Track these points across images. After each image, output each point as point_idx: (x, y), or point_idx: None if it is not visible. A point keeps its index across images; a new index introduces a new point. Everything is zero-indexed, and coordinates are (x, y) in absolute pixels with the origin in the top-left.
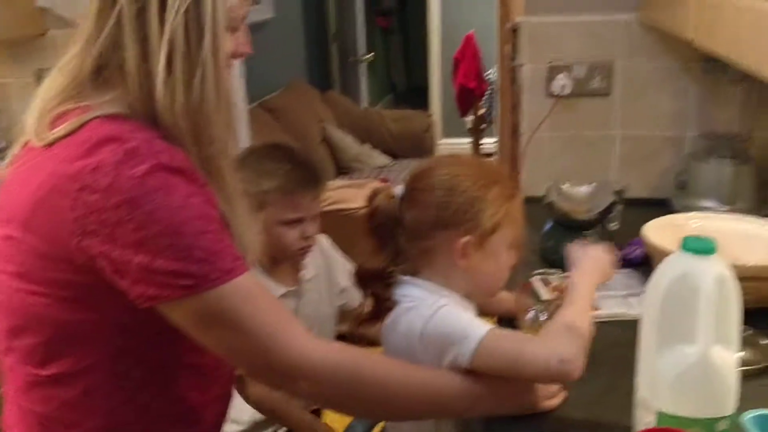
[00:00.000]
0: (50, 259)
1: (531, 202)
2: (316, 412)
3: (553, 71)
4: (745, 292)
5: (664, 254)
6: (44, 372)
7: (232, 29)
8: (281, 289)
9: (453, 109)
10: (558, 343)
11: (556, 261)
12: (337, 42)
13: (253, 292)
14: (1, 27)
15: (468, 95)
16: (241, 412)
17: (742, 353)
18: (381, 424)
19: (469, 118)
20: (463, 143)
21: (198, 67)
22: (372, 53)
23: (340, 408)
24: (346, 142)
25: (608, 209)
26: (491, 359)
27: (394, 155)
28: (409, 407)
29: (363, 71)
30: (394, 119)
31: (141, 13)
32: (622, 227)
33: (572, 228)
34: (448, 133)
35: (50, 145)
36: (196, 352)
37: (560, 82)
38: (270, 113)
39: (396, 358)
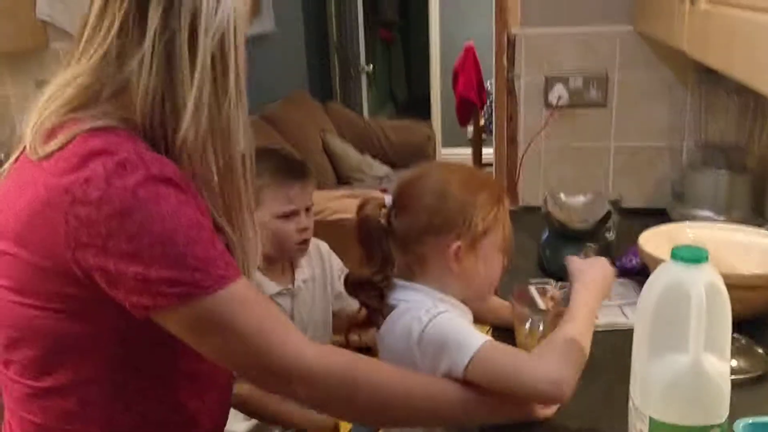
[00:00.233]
0: (45, 272)
1: (528, 211)
2: None
3: (549, 82)
4: (740, 302)
5: (659, 263)
6: (42, 384)
7: None
8: (276, 287)
9: (453, 120)
10: (553, 363)
11: (552, 270)
12: (338, 53)
13: (248, 297)
14: (2, 39)
15: (468, 106)
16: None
17: (735, 362)
18: None
19: (470, 129)
20: (464, 153)
21: (227, 93)
22: (373, 64)
23: (335, 412)
24: (347, 152)
25: (605, 219)
26: (485, 372)
27: (395, 165)
28: (405, 413)
29: (364, 82)
30: (394, 130)
31: (170, 44)
32: (619, 237)
33: (569, 238)
34: (449, 143)
35: (43, 159)
36: (193, 359)
37: (557, 93)
38: (271, 124)
39: (392, 360)
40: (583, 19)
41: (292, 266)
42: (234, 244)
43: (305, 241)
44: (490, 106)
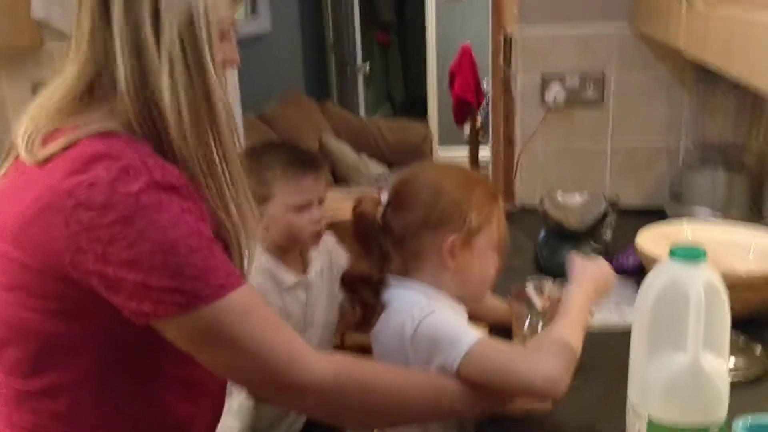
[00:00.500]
0: (41, 273)
1: (525, 211)
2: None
3: (546, 81)
4: (738, 301)
5: (657, 263)
6: (31, 385)
7: (221, 35)
8: (293, 279)
9: (450, 120)
10: (546, 360)
11: (549, 269)
12: (334, 53)
13: (249, 306)
14: None
15: (465, 106)
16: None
17: (733, 361)
18: None
19: (467, 129)
20: (461, 153)
21: (200, 78)
22: (369, 64)
23: (344, 419)
24: (344, 152)
25: (602, 218)
26: (478, 368)
27: (392, 165)
28: (412, 412)
29: (360, 82)
30: (391, 129)
31: (136, 32)
32: (616, 236)
33: (566, 237)
34: (445, 143)
35: (43, 162)
36: (184, 364)
37: (553, 92)
38: (268, 124)
39: (386, 358)
40: (580, 18)
41: (304, 258)
42: (233, 236)
43: (319, 233)
44: (487, 106)
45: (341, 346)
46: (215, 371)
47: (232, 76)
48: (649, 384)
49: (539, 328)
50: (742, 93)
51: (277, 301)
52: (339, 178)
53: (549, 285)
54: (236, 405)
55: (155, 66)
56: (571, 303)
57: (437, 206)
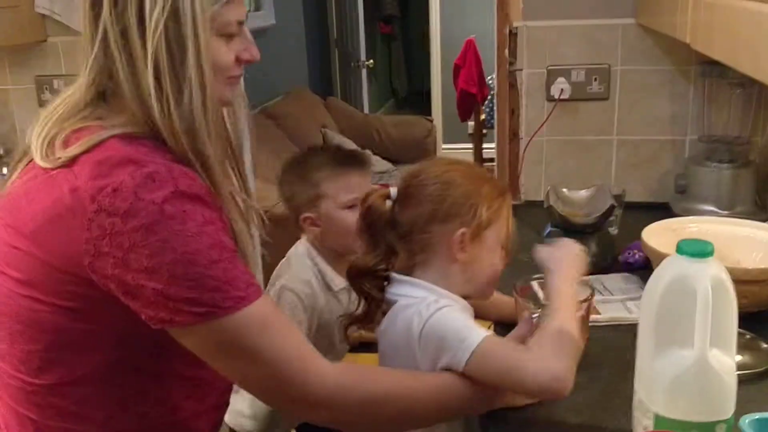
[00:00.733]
0: (58, 271)
1: (530, 206)
2: None
3: (551, 75)
4: (745, 296)
5: (663, 258)
6: (39, 380)
7: (226, 37)
8: (342, 283)
9: (454, 115)
10: (551, 359)
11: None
12: (338, 48)
13: (267, 318)
14: (1, 33)
15: (469, 100)
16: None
17: (740, 357)
18: None
19: (471, 124)
20: (465, 149)
21: (185, 81)
22: (373, 59)
23: (356, 428)
24: (348, 147)
25: (607, 213)
26: (484, 367)
27: (395, 161)
28: (422, 418)
29: (364, 77)
30: (395, 125)
31: (124, 35)
32: (622, 231)
33: (571, 232)
34: (450, 138)
35: (67, 162)
36: (193, 364)
37: (559, 87)
38: (272, 119)
39: (393, 355)
40: (585, 12)
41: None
42: (244, 244)
43: None
44: (491, 100)
45: (345, 340)
46: (229, 378)
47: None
48: (655, 380)
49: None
50: (748, 87)
51: (320, 300)
52: None
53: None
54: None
55: (142, 71)
56: (561, 295)
57: (447, 199)
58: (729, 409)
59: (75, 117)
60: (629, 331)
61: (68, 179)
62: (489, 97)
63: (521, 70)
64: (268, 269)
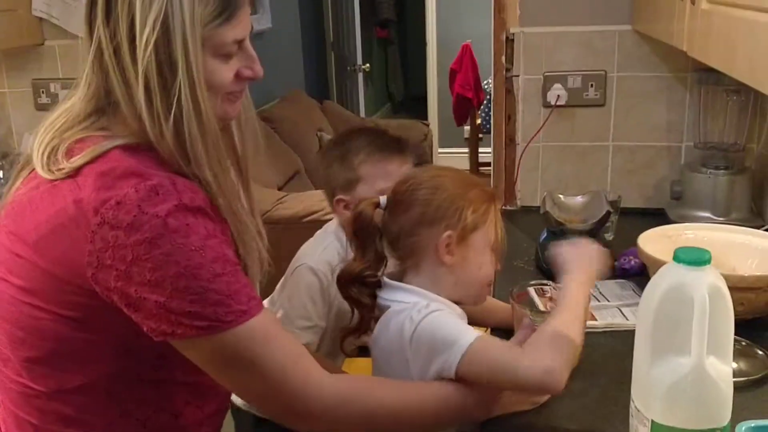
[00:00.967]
0: (60, 281)
1: (526, 211)
2: None
3: (548, 82)
4: (741, 303)
5: (659, 265)
6: (41, 387)
7: (223, 56)
8: None
9: (450, 120)
10: (545, 354)
11: (551, 271)
12: (334, 51)
13: (268, 331)
14: None
15: (465, 105)
16: None
17: (736, 364)
18: None
19: (467, 128)
20: (461, 153)
21: (176, 100)
22: (369, 63)
23: None
24: None
25: (603, 219)
26: (477, 367)
27: None
28: (421, 427)
29: (361, 81)
30: (391, 129)
31: (117, 53)
32: (618, 237)
33: (568, 238)
34: (446, 143)
35: (70, 173)
36: (194, 371)
37: (555, 93)
38: (268, 123)
39: (387, 361)
40: (582, 18)
41: None
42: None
43: None
44: (487, 105)
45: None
46: (229, 389)
47: None
48: (652, 387)
49: None
50: (744, 94)
51: None
52: None
53: (550, 286)
54: None
55: (135, 89)
56: (568, 296)
57: (433, 203)
58: (725, 417)
59: (76, 127)
60: (625, 337)
61: (72, 190)
62: (485, 101)
63: (518, 76)
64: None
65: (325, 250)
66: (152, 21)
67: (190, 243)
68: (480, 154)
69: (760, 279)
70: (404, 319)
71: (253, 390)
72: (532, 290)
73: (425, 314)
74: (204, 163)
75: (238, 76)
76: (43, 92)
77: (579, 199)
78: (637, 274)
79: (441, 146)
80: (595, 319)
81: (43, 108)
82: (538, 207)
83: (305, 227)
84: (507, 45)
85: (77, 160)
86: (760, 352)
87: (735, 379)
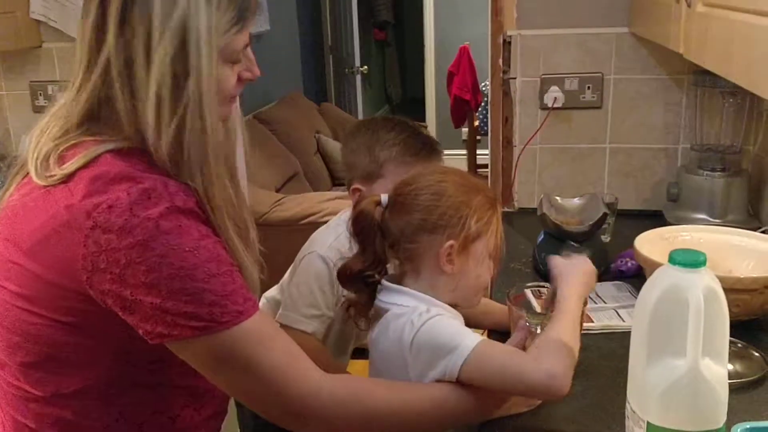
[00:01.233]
0: (55, 287)
1: (523, 213)
2: None
3: (545, 84)
4: (737, 305)
5: (655, 266)
6: (38, 391)
7: (232, 62)
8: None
9: (448, 121)
10: (549, 358)
11: (548, 273)
12: (332, 54)
13: (264, 332)
14: None
15: (463, 107)
16: None
17: (732, 366)
18: None
19: (465, 130)
20: (459, 155)
21: (185, 111)
22: (367, 65)
23: None
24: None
25: (600, 221)
26: (480, 371)
27: None
28: (417, 426)
29: (359, 83)
30: None
31: (128, 64)
32: (615, 239)
33: (564, 240)
34: (444, 144)
35: (63, 179)
36: (191, 375)
37: (552, 95)
38: (266, 125)
39: (384, 364)
40: (579, 21)
41: None
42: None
43: None
44: (485, 107)
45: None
46: (226, 391)
47: None
48: (648, 389)
49: (538, 331)
50: (740, 97)
51: None
52: (337, 179)
53: (547, 288)
54: None
55: (143, 100)
56: (566, 304)
57: (436, 209)
58: (721, 419)
59: (69, 135)
60: (622, 339)
61: (64, 195)
62: (483, 103)
63: (515, 78)
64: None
65: (337, 239)
66: (171, 32)
67: (183, 244)
68: (478, 156)
69: (756, 281)
70: (404, 324)
71: (250, 391)
72: (528, 292)
73: (426, 319)
74: (197, 173)
75: (239, 78)
76: (40, 94)
77: (576, 201)
78: (633, 275)
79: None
80: (592, 321)
81: (40, 110)
82: (536, 209)
83: (303, 229)
84: (504, 47)
85: (69, 166)
86: (756, 354)
87: (731, 381)
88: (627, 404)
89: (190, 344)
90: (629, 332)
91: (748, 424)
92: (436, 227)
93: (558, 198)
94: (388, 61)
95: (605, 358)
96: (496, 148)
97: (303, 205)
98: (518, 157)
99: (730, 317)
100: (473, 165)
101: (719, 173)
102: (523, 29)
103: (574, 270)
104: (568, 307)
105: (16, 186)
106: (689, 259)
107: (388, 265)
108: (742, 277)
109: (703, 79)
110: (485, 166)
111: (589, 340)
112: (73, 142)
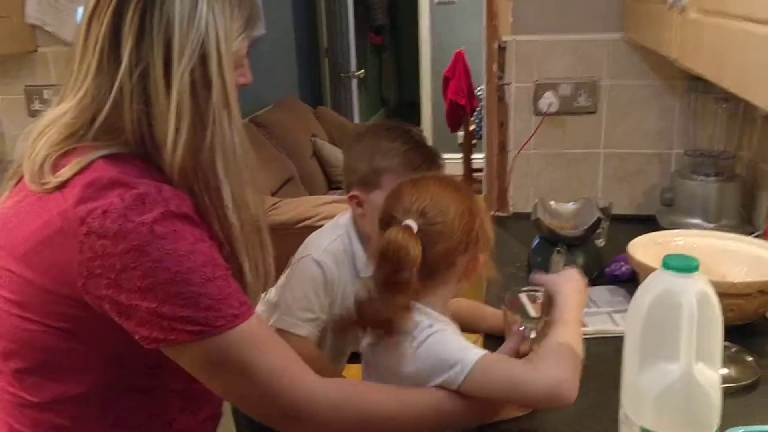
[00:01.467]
0: (50, 293)
1: (518, 218)
2: None
3: (539, 89)
4: (731, 309)
5: (649, 271)
6: (33, 398)
7: (238, 67)
8: (370, 272)
9: (443, 125)
10: (553, 368)
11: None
12: (328, 58)
13: (260, 336)
14: None
15: (458, 111)
16: None
17: (725, 370)
18: None
19: (460, 134)
20: (454, 159)
21: (209, 121)
22: (363, 69)
23: None
24: (337, 157)
25: (594, 226)
26: (487, 382)
27: None
28: (412, 431)
29: (354, 87)
30: None
31: (145, 75)
32: (609, 244)
33: (559, 244)
34: (439, 149)
35: (58, 186)
36: (186, 379)
37: (547, 100)
38: (261, 128)
39: (381, 373)
40: (574, 26)
41: None
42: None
43: None
44: (480, 111)
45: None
46: (221, 395)
47: None
48: (641, 394)
49: (533, 335)
50: (733, 102)
51: (350, 283)
52: (333, 183)
53: (542, 293)
54: None
55: (161, 112)
56: (567, 312)
57: (467, 228)
58: (714, 423)
59: (65, 142)
60: (616, 343)
61: (57, 202)
62: (478, 108)
63: (509, 84)
64: None
65: (333, 243)
66: (191, 44)
67: (178, 248)
68: (473, 160)
69: (749, 285)
70: (405, 338)
71: (246, 395)
72: (523, 297)
73: (428, 334)
74: (222, 177)
75: (237, 83)
76: (35, 99)
77: (570, 205)
78: (627, 280)
79: None
80: (586, 326)
81: (35, 114)
82: (530, 213)
83: (299, 233)
84: (499, 53)
85: (63, 173)
86: (750, 358)
87: (725, 385)
88: (621, 409)
89: (186, 349)
90: (623, 337)
91: (741, 429)
92: (468, 245)
93: (552, 202)
94: (384, 65)
95: (599, 362)
96: (491, 153)
97: (299, 209)
98: (513, 162)
99: (725, 322)
100: (468, 169)
101: (713, 178)
102: (518, 35)
103: (568, 284)
104: (570, 315)
105: (9, 191)
106: (682, 264)
107: None
108: (735, 282)
109: (697, 85)
110: (480, 170)
111: (584, 345)
112: (68, 148)
